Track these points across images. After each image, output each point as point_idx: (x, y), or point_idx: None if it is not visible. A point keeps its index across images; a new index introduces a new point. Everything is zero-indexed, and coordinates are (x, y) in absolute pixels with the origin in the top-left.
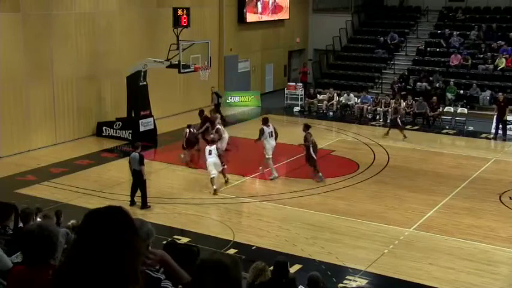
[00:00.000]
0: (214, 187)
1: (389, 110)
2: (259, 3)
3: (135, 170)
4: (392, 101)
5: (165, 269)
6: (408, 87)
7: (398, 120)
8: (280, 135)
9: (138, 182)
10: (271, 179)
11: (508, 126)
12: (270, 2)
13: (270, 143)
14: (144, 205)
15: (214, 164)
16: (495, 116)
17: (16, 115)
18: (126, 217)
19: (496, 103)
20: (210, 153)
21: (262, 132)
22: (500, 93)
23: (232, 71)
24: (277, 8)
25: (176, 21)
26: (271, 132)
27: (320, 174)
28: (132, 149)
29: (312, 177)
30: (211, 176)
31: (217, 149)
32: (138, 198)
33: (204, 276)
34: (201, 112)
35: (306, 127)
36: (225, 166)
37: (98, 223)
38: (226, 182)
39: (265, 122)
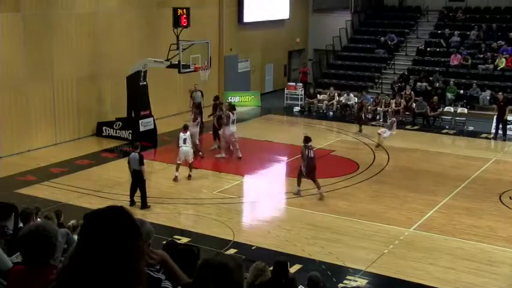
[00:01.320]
0: (176, 174)
1: (389, 110)
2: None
3: (134, 170)
4: (393, 101)
5: (164, 270)
6: (408, 86)
7: (362, 115)
8: (280, 135)
9: (138, 182)
10: (216, 157)
11: (508, 126)
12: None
13: (229, 129)
14: (144, 205)
15: (186, 152)
16: (495, 116)
17: (16, 115)
18: (128, 217)
19: (496, 103)
20: (184, 142)
21: (228, 117)
22: (500, 93)
23: (232, 71)
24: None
25: (176, 22)
26: (235, 120)
27: (299, 188)
28: (131, 149)
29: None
30: (178, 162)
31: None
32: (137, 198)
33: (206, 277)
34: (216, 98)
35: (306, 140)
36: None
37: (100, 224)
38: (189, 177)
39: (231, 109)
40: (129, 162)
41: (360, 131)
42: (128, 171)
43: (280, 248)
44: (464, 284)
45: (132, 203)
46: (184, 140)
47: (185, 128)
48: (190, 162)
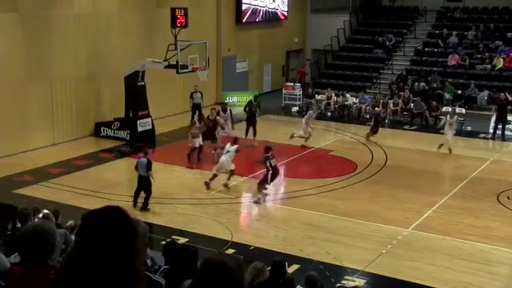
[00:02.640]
0: (209, 181)
1: (387, 110)
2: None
3: (141, 176)
4: (391, 101)
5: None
6: (406, 87)
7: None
8: (279, 135)
9: (143, 187)
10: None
11: (506, 126)
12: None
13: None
14: (145, 206)
15: (222, 163)
16: (494, 116)
17: (14, 115)
18: (125, 217)
19: (496, 103)
20: (226, 152)
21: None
22: (502, 93)
23: (230, 71)
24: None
25: (174, 22)
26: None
27: (260, 196)
28: (140, 154)
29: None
30: (214, 172)
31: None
32: (138, 200)
33: (207, 277)
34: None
35: (266, 150)
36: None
37: (97, 224)
38: (226, 186)
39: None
40: (136, 167)
41: (368, 137)
42: (125, 171)
43: (278, 248)
44: (462, 283)
45: (135, 204)
46: (228, 151)
47: (234, 140)
48: (229, 170)
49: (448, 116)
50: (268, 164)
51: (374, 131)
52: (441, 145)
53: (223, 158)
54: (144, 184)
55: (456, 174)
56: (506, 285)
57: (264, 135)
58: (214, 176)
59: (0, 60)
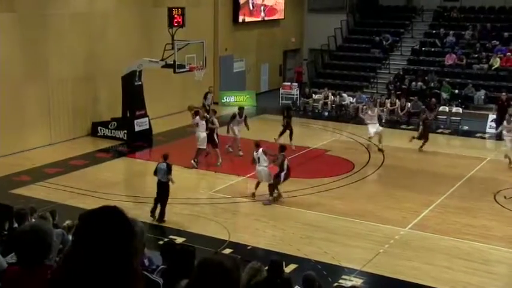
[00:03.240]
0: (254, 191)
1: (384, 109)
2: (251, 4)
3: (160, 182)
4: (388, 101)
5: None
6: (403, 86)
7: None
8: (276, 135)
9: (163, 194)
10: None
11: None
12: (262, 8)
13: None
14: (161, 218)
15: (259, 172)
16: (494, 116)
17: (11, 115)
18: (122, 217)
19: (497, 103)
20: (258, 161)
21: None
22: (503, 94)
23: (228, 70)
24: (271, 11)
25: (171, 21)
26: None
27: (271, 198)
28: (161, 160)
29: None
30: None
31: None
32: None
33: (204, 276)
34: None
35: (282, 149)
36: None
37: (94, 224)
38: (252, 195)
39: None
40: (155, 173)
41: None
42: (123, 171)
43: (276, 247)
44: (461, 283)
45: (153, 214)
46: (258, 159)
47: (257, 146)
48: (261, 181)
49: (505, 122)
50: (285, 164)
51: (426, 138)
52: (507, 155)
53: (257, 168)
54: (163, 190)
55: (453, 173)
56: (505, 284)
57: (262, 135)
58: (258, 183)
59: None
